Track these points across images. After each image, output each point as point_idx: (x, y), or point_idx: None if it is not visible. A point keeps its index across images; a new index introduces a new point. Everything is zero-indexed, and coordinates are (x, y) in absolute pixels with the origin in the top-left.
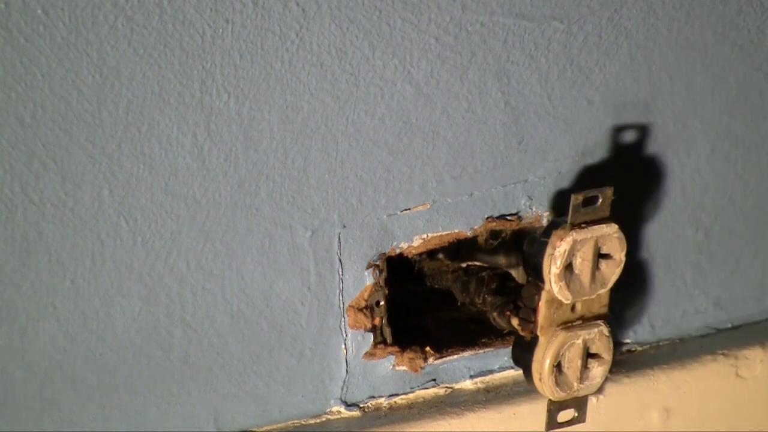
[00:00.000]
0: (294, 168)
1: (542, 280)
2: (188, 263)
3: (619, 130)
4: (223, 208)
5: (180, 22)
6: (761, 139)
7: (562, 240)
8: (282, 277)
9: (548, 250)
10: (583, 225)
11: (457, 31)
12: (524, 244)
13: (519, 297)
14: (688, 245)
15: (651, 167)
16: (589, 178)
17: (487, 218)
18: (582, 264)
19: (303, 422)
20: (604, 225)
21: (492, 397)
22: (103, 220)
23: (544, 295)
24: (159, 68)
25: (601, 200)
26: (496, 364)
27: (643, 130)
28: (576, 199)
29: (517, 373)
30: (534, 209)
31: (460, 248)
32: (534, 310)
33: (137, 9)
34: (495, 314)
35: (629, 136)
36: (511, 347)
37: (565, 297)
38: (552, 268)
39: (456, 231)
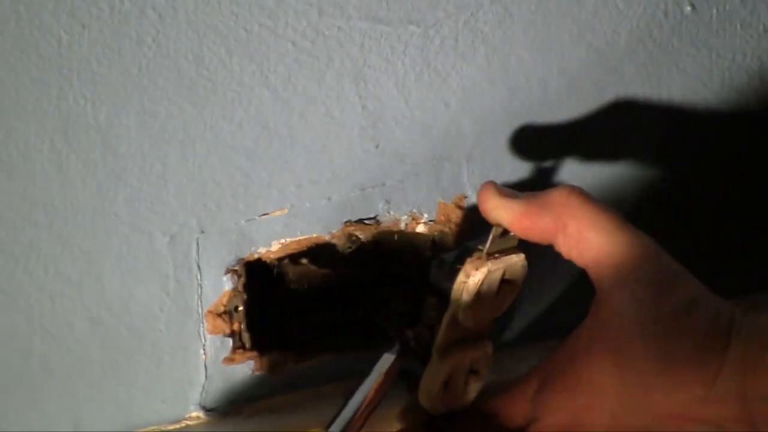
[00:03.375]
0: (152, 174)
1: (447, 304)
2: (47, 270)
3: (476, 133)
4: (81, 214)
5: (36, 27)
6: (616, 139)
7: (477, 270)
8: (141, 282)
9: (461, 278)
10: (496, 255)
11: (314, 35)
12: (432, 266)
13: (410, 310)
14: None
15: (509, 170)
16: (447, 181)
17: (346, 222)
18: (488, 291)
19: (163, 428)
20: (513, 255)
21: None
22: None
23: (447, 318)
24: (16, 74)
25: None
26: (356, 368)
27: (500, 133)
28: (497, 230)
29: None
30: (392, 213)
31: (319, 252)
32: (431, 328)
33: None
34: (388, 325)
35: (487, 139)
36: (372, 351)
37: (468, 323)
38: (464, 296)
39: (315, 235)
